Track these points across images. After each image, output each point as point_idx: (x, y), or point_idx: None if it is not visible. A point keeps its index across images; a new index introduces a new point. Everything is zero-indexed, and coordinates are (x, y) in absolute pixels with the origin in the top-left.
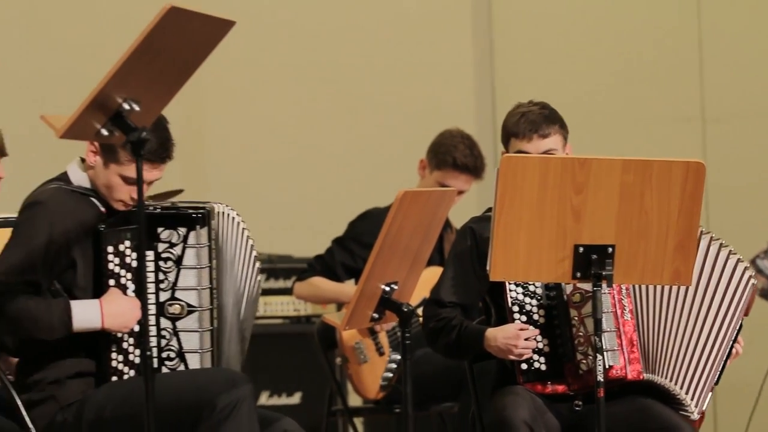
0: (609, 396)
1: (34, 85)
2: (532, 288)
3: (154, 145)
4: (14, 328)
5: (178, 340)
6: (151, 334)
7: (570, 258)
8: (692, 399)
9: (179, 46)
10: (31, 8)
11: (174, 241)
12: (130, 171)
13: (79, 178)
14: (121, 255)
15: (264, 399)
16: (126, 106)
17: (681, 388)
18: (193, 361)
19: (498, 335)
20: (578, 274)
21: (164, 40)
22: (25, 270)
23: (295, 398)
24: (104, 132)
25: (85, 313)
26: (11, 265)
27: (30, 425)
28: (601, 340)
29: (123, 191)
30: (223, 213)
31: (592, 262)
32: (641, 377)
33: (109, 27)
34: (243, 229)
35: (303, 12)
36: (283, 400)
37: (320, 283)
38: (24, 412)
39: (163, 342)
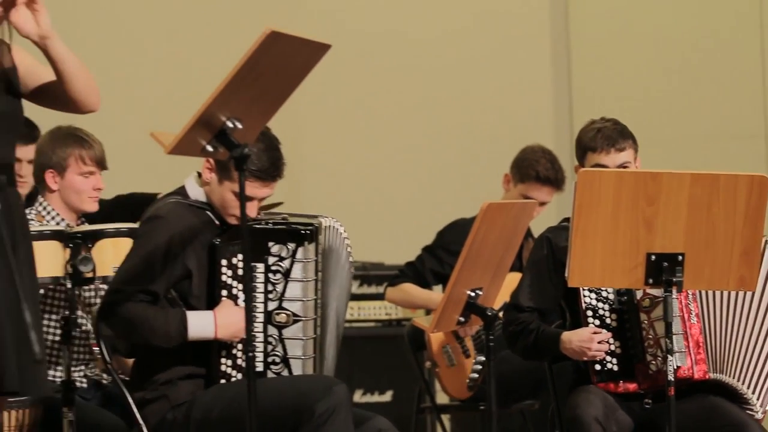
0: (677, 395)
1: (141, 103)
2: (604, 293)
3: (266, 164)
4: (132, 334)
5: (284, 346)
6: (259, 340)
7: (642, 265)
8: (758, 399)
9: (279, 68)
10: (139, 32)
11: (283, 255)
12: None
13: (197, 193)
14: (233, 268)
15: (358, 397)
16: (229, 124)
17: (747, 388)
18: (296, 367)
19: (573, 338)
20: (650, 281)
21: (265, 63)
22: (144, 280)
23: (387, 396)
24: (209, 148)
25: (200, 324)
26: (131, 274)
27: (141, 422)
28: (671, 342)
29: (236, 206)
30: (331, 227)
31: (663, 269)
32: (707, 377)
33: (211, 49)
34: (347, 243)
35: (391, 33)
36: (376, 398)
37: (410, 289)
38: (136, 410)
39: (269, 348)
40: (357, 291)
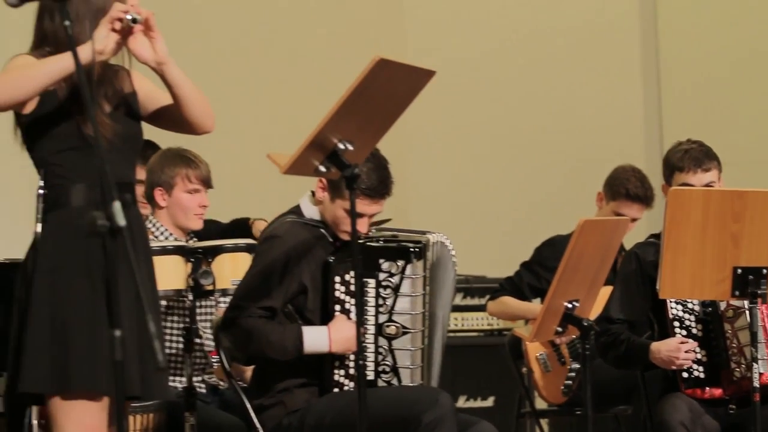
0: (761, 401)
1: (254, 127)
2: (690, 305)
3: (375, 182)
4: (250, 347)
5: (393, 357)
6: (370, 351)
7: (729, 278)
8: None
9: (387, 93)
10: (255, 62)
11: (393, 271)
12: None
13: (311, 212)
14: (346, 284)
15: (461, 402)
16: (341, 146)
17: None
18: (405, 376)
19: (661, 348)
20: (736, 293)
21: (374, 88)
22: (262, 296)
23: (489, 401)
24: (322, 168)
25: (315, 338)
26: (250, 291)
27: (259, 426)
28: (756, 351)
29: (347, 223)
30: (441, 243)
31: (749, 282)
32: None
33: (320, 76)
34: (452, 256)
35: (490, 60)
36: (479, 404)
37: (509, 302)
38: (253, 415)
39: (380, 358)
40: (461, 303)
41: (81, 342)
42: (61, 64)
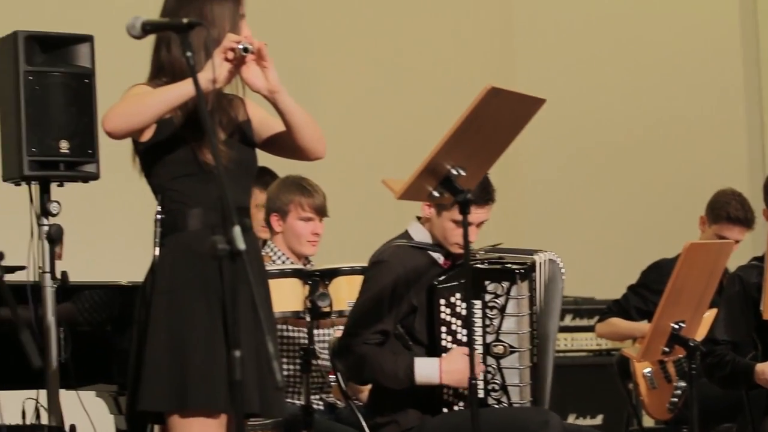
0: None
1: (368, 153)
2: None
3: (477, 190)
4: (364, 374)
5: (502, 375)
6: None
7: None
8: None
9: (498, 120)
10: (370, 93)
11: (498, 293)
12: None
13: (420, 235)
14: (452, 306)
15: (571, 420)
16: (454, 172)
17: None
18: (514, 394)
19: (765, 369)
20: None
21: (485, 116)
22: (375, 321)
23: (598, 419)
24: (435, 194)
25: (427, 370)
26: (363, 317)
27: None
28: None
29: (456, 234)
30: (552, 261)
31: None
32: None
33: (432, 104)
34: (562, 272)
35: (596, 85)
36: (587, 422)
37: (617, 322)
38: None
39: (489, 377)
40: (570, 324)
41: (198, 361)
42: (177, 92)
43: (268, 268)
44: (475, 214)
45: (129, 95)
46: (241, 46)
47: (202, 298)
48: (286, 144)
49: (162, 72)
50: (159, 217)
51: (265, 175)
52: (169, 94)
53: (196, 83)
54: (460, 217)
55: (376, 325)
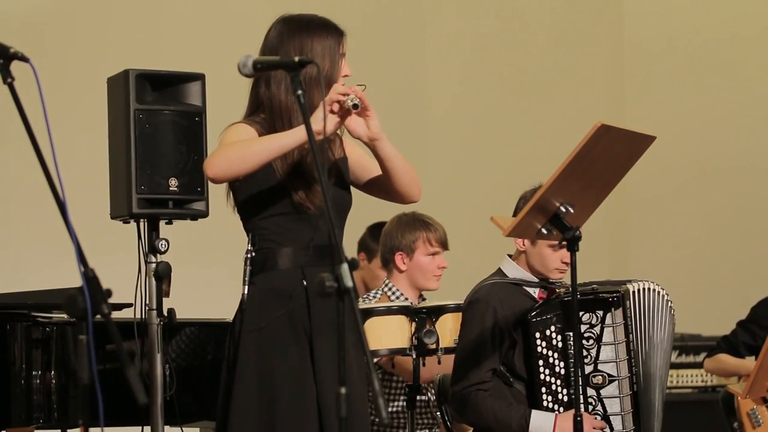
0: None
1: (476, 190)
2: None
3: None
4: (479, 423)
5: (603, 405)
6: (580, 402)
7: None
8: None
9: (608, 158)
10: (474, 129)
11: (593, 322)
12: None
13: (513, 271)
14: (548, 339)
15: None
16: (563, 209)
17: None
18: (617, 423)
19: None
20: None
21: (595, 153)
22: (481, 361)
23: None
24: (543, 231)
25: (540, 423)
26: (470, 360)
27: None
28: None
29: (554, 258)
30: (647, 289)
31: None
32: None
33: (539, 141)
34: (668, 301)
35: (706, 123)
36: None
37: (724, 358)
38: None
39: (590, 408)
40: (676, 360)
41: (287, 398)
42: (283, 141)
43: (375, 305)
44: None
45: (230, 138)
46: (350, 102)
47: (291, 336)
48: (382, 187)
49: (260, 109)
50: (249, 255)
51: None
52: (275, 144)
53: (308, 127)
54: (554, 242)
55: (484, 364)
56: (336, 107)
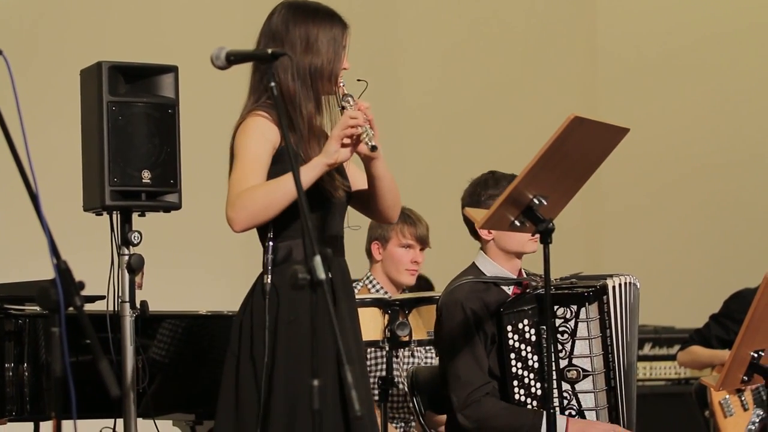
0: None
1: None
2: None
3: None
4: (491, 427)
5: (577, 400)
6: (555, 396)
7: None
8: None
9: (581, 150)
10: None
11: (567, 317)
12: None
13: (490, 268)
14: (520, 332)
15: None
16: (536, 201)
17: None
18: (591, 418)
19: None
20: None
21: (569, 145)
22: (477, 363)
23: None
24: (517, 223)
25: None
26: (465, 365)
27: None
28: None
29: (532, 245)
30: (632, 284)
31: None
32: None
33: (513, 134)
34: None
35: (678, 115)
36: None
37: (697, 350)
38: None
39: (565, 402)
40: (649, 352)
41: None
42: (306, 177)
43: None
44: None
45: (248, 146)
46: (369, 144)
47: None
48: (365, 202)
49: (266, 95)
50: (270, 244)
51: None
52: (292, 187)
53: (295, 177)
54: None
55: (482, 367)
56: (347, 141)
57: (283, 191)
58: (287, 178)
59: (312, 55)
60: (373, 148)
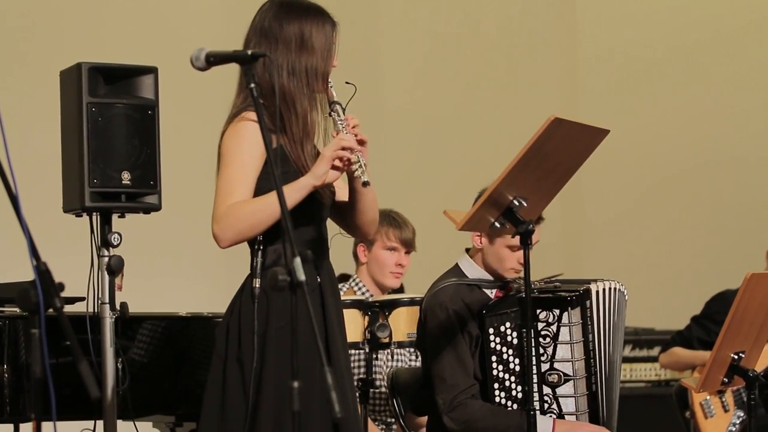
0: None
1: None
2: None
3: None
4: (477, 429)
5: (558, 404)
6: (535, 399)
7: None
8: None
9: (561, 151)
10: (429, 123)
11: (550, 321)
12: (514, 240)
13: (472, 270)
14: (502, 334)
15: None
16: (516, 203)
17: None
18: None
19: None
20: None
21: (549, 146)
22: (463, 366)
23: None
24: (497, 225)
25: (539, 427)
26: (451, 368)
27: None
28: None
29: (511, 259)
30: (617, 290)
31: None
32: None
33: (494, 135)
34: (626, 300)
35: (658, 116)
36: None
37: (678, 351)
38: None
39: (546, 406)
40: (629, 354)
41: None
42: (290, 201)
43: None
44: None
45: (239, 150)
46: (363, 179)
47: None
48: (343, 214)
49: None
50: (260, 247)
51: None
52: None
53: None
54: (514, 242)
55: (468, 369)
56: (338, 163)
57: (270, 211)
58: (270, 197)
59: (307, 52)
60: (365, 184)
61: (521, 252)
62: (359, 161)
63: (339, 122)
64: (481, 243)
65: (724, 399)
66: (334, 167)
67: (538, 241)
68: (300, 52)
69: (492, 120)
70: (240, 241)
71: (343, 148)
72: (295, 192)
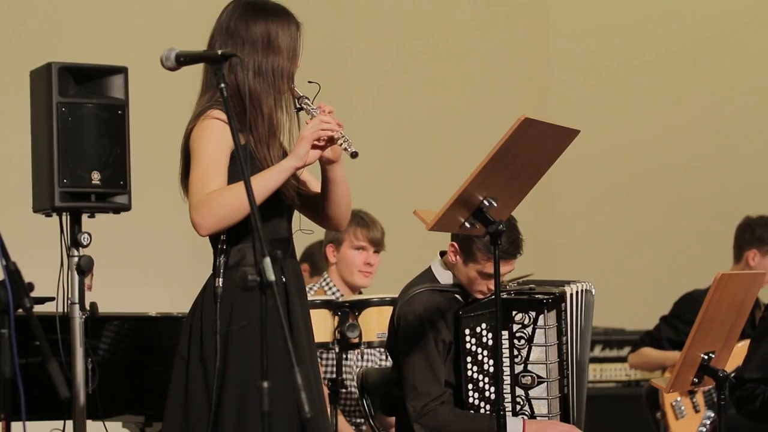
0: None
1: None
2: None
3: (506, 245)
4: None
5: (530, 406)
6: (507, 401)
7: None
8: None
9: (532, 151)
10: (401, 123)
11: (525, 323)
12: (487, 268)
13: (444, 276)
14: (477, 335)
15: None
16: (486, 203)
17: None
18: None
19: None
20: None
21: (519, 146)
22: (438, 373)
23: None
24: (467, 225)
25: (509, 428)
26: (422, 374)
27: None
28: None
29: (482, 284)
30: (588, 291)
31: None
32: None
33: (463, 135)
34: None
35: (629, 116)
36: None
37: (648, 352)
38: None
39: (518, 407)
40: (599, 354)
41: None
42: (269, 185)
43: None
44: (503, 267)
45: (206, 146)
46: (350, 150)
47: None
48: (315, 207)
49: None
50: (223, 247)
51: None
52: (263, 189)
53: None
54: (487, 271)
55: (439, 377)
56: (321, 142)
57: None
58: (252, 181)
59: (273, 52)
60: (354, 154)
61: (491, 281)
62: (343, 135)
63: (313, 111)
64: (455, 260)
65: (695, 399)
66: (314, 147)
67: (511, 271)
68: (266, 53)
69: (462, 121)
70: (220, 228)
71: (324, 130)
72: (278, 175)
